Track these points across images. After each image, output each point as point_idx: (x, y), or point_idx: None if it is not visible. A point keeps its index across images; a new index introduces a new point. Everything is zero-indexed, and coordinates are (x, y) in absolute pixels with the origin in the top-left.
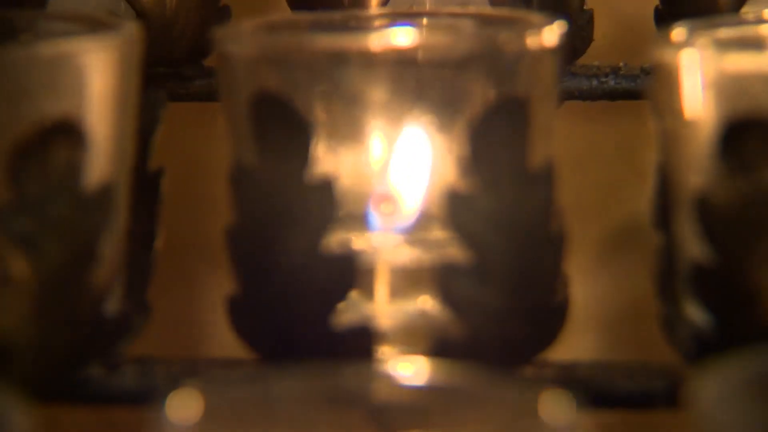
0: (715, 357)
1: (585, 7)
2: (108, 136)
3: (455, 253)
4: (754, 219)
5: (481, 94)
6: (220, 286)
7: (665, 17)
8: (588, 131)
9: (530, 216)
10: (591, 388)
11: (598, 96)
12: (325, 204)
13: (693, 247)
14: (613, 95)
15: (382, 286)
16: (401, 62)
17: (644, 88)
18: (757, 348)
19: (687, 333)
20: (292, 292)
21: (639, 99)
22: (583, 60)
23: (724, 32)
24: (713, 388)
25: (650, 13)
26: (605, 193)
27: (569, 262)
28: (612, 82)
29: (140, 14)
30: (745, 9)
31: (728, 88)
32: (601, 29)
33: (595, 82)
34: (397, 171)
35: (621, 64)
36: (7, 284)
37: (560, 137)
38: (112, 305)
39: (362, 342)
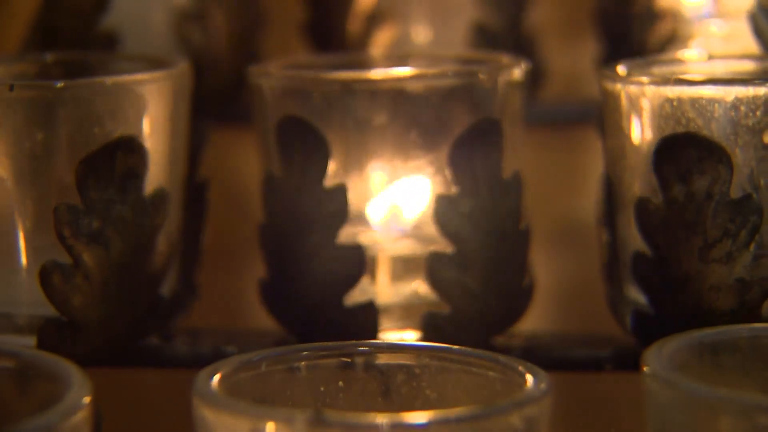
0: (651, 329)
1: (538, 54)
2: (163, 152)
3: (442, 246)
4: (684, 219)
5: (462, 118)
6: (254, 272)
7: (608, 57)
8: (544, 149)
9: (502, 216)
10: (550, 355)
11: (551, 122)
12: (338, 206)
13: (634, 241)
14: (564, 121)
15: (383, 272)
16: (398, 93)
17: (587, 115)
18: (702, 326)
19: (628, 310)
20: (312, 277)
21: (583, 125)
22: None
23: (657, 68)
24: (664, 357)
25: (588, 58)
26: (558, 198)
27: (533, 252)
28: (561, 112)
29: (192, 55)
30: (669, 49)
31: (663, 112)
32: (552, 70)
33: (548, 111)
34: (395, 179)
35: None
36: (78, 272)
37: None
38: (167, 287)
39: (368, 317)
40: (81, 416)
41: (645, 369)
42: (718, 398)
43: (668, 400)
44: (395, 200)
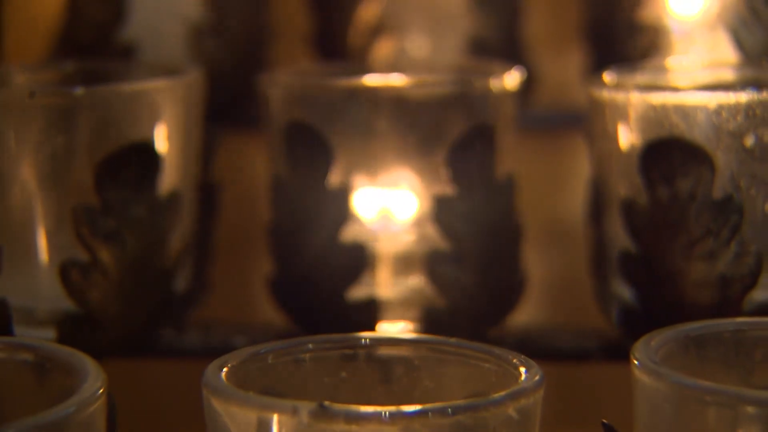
0: (636, 323)
1: (530, 64)
2: (176, 155)
3: (440, 244)
4: (668, 219)
5: (458, 123)
6: (262, 268)
7: (595, 66)
8: (536, 153)
9: (496, 215)
10: (540, 345)
11: (542, 127)
12: (341, 207)
13: (620, 239)
14: (554, 126)
15: (384, 269)
16: (398, 100)
17: (576, 121)
18: (685, 320)
19: (614, 304)
20: (316, 274)
21: (573, 129)
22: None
23: (642, 76)
24: (652, 350)
25: (576, 67)
26: (549, 198)
27: (525, 250)
28: (552, 117)
29: (205, 64)
30: (654, 59)
31: (648, 118)
32: (543, 78)
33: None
34: (395, 180)
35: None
36: (96, 269)
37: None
38: (180, 283)
39: (369, 311)
40: (96, 407)
41: (634, 361)
42: (703, 389)
43: (656, 390)
44: (395, 200)
